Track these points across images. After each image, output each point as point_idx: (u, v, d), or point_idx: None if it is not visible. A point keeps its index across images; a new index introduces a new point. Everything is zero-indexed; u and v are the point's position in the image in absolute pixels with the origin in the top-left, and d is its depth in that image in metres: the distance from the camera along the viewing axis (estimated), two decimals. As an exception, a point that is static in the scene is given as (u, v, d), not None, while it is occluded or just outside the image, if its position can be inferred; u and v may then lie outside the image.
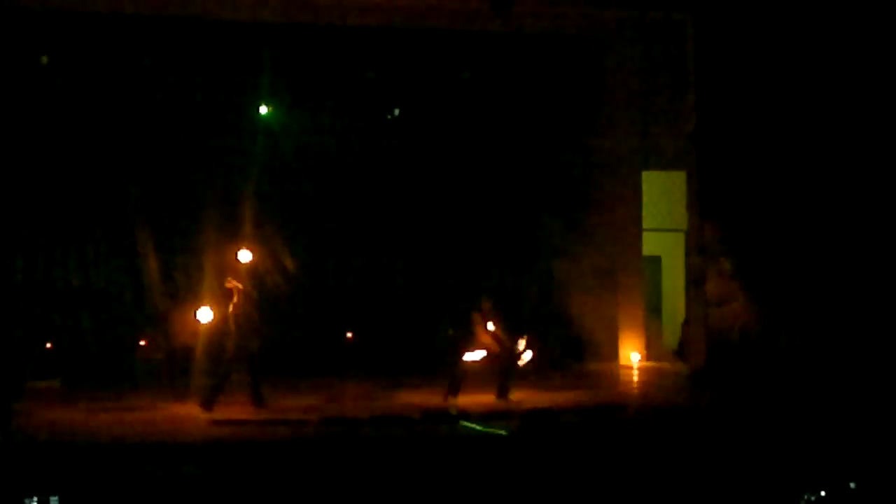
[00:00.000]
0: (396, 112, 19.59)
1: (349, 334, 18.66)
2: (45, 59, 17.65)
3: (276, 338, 16.49)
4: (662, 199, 20.03)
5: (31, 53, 17.61)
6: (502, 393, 15.26)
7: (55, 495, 9.64)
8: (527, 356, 15.59)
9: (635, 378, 18.56)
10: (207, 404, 14.24)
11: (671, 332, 20.67)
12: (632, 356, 19.66)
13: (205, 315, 14.65)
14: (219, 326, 14.69)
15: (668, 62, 19.24)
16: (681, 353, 19.53)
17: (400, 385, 16.67)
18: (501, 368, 15.40)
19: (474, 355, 15.15)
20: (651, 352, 20.12)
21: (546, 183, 19.80)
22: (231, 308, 14.49)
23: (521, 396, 15.26)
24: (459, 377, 15.29)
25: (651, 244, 20.45)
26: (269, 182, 18.71)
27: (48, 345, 17.11)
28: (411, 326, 19.00)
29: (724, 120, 17.24)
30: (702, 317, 17.76)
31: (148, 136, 18.35)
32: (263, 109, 18.89)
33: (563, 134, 19.87)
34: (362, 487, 10.50)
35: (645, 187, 20.07)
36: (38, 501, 9.54)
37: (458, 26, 18.42)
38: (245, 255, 14.76)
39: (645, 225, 20.18)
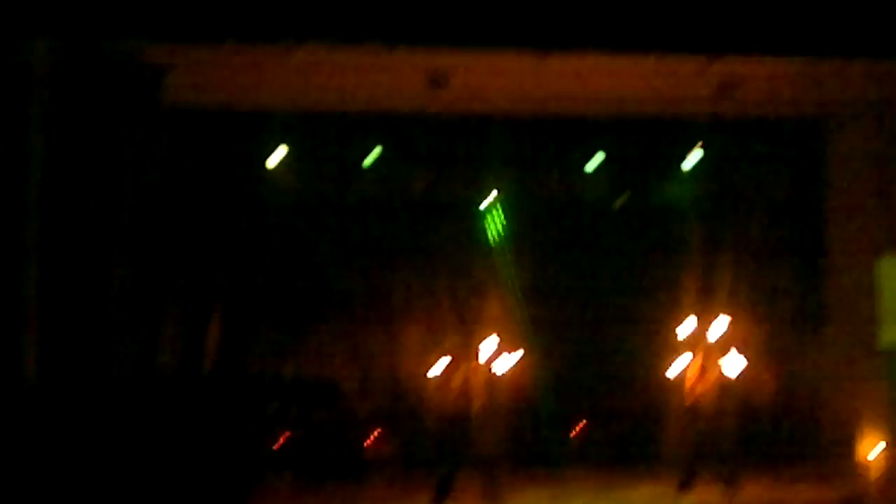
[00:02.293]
0: (624, 199, 19.45)
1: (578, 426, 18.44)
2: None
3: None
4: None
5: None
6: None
7: None
8: None
9: (876, 475, 17.71)
10: (439, 500, 14.17)
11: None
12: (873, 452, 18.81)
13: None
14: None
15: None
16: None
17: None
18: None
19: None
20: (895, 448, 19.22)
21: (777, 271, 19.33)
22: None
23: (755, 490, 14.82)
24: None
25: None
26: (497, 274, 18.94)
27: (282, 439, 17.40)
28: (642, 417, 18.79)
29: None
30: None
31: (375, 232, 18.77)
32: (489, 201, 18.99)
33: (792, 220, 19.52)
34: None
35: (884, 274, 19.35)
36: None
37: (684, 112, 18.25)
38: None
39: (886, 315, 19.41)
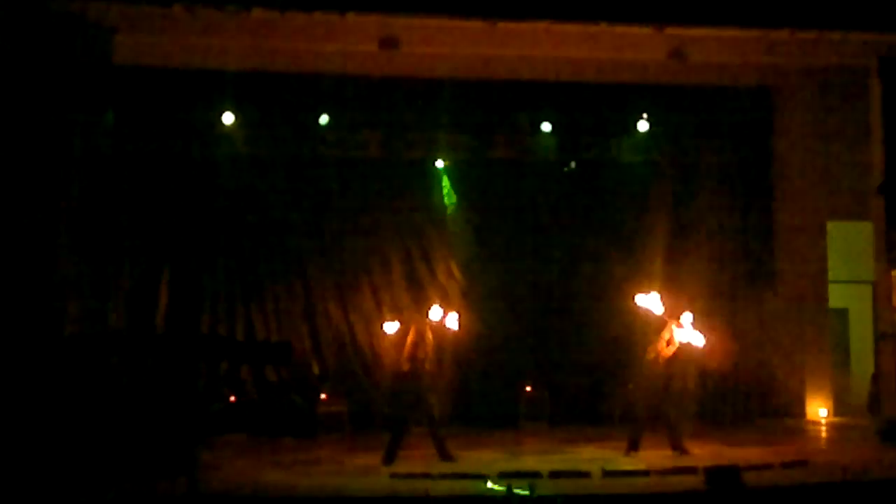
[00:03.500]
0: (573, 165, 19.60)
1: (528, 388, 18.59)
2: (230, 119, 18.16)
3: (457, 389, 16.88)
4: (848, 250, 19.52)
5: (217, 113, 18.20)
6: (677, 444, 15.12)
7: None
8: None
9: (823, 434, 18.09)
10: (388, 458, 14.38)
11: (860, 387, 20.05)
12: (819, 411, 19.15)
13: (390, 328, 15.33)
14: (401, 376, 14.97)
15: (850, 109, 18.84)
16: (871, 407, 18.92)
17: (580, 438, 16.67)
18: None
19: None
20: (839, 407, 19.54)
21: (728, 237, 19.57)
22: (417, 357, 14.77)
23: (703, 451, 15.03)
24: (640, 431, 15.24)
25: (838, 296, 19.94)
26: (446, 236, 19.18)
27: (232, 398, 17.51)
28: (592, 377, 19.02)
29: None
30: (892, 370, 17.17)
31: (327, 192, 18.90)
32: (440, 163, 19.16)
33: (743, 185, 19.73)
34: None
35: (830, 238, 19.64)
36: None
37: (635, 79, 18.35)
38: (435, 313, 15.08)
39: (831, 276, 19.71)
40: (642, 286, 15.93)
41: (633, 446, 15.23)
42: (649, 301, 15.32)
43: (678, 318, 15.20)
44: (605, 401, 18.86)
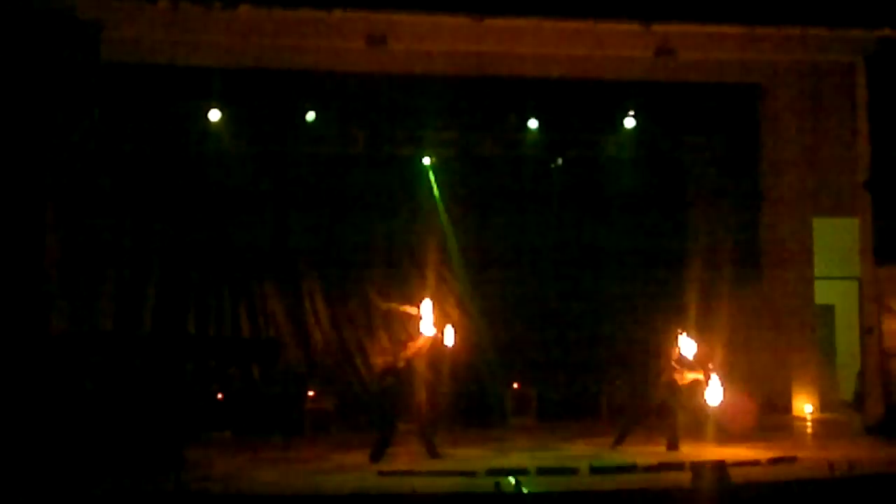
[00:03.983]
0: (560, 161, 19.59)
1: (516, 384, 18.58)
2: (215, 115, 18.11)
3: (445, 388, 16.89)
4: (835, 246, 19.56)
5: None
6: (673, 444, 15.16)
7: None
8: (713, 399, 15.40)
9: (809, 430, 18.13)
10: (376, 455, 14.39)
11: (846, 383, 20.09)
12: (805, 407, 19.18)
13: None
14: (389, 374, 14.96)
15: (836, 106, 18.91)
16: (857, 404, 18.96)
17: (568, 435, 16.72)
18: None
19: None
20: (825, 403, 19.59)
21: (714, 232, 19.60)
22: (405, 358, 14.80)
23: (690, 448, 15.07)
24: (630, 426, 15.36)
25: (824, 293, 19.98)
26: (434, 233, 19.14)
27: (220, 395, 17.48)
28: (579, 374, 19.02)
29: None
30: (878, 367, 17.21)
31: (314, 189, 18.86)
32: (427, 161, 19.12)
33: (729, 181, 19.75)
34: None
35: (816, 235, 19.68)
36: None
37: (622, 76, 18.36)
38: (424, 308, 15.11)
39: (817, 273, 19.75)
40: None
41: (620, 440, 15.36)
42: (685, 344, 15.43)
43: (706, 369, 15.31)
44: (592, 397, 18.87)
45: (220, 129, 18.08)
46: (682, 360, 15.41)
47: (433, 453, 14.69)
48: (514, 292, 19.33)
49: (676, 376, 15.37)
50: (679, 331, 15.62)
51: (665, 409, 15.54)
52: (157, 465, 12.94)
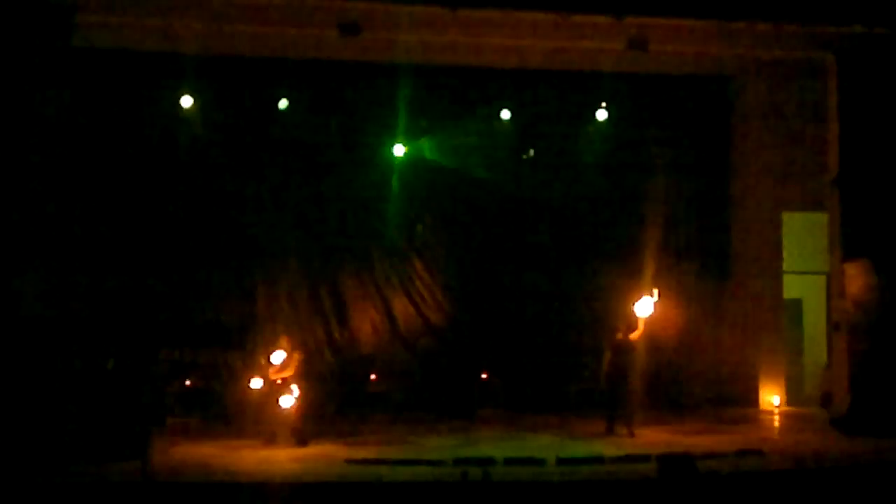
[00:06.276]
0: (532, 152, 19.62)
1: (484, 375, 18.61)
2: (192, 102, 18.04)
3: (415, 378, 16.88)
4: (803, 241, 19.66)
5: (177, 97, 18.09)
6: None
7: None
8: None
9: (776, 423, 18.25)
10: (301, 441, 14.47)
11: (813, 377, 20.21)
12: (772, 400, 19.30)
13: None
14: None
15: (806, 101, 19.01)
16: (823, 397, 19.07)
17: (536, 425, 16.78)
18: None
19: None
20: (792, 396, 19.71)
21: (684, 226, 19.70)
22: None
23: (657, 439, 15.17)
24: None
25: (792, 287, 20.09)
26: (404, 223, 19.18)
27: (188, 382, 17.43)
28: (547, 364, 19.02)
29: (868, 161, 16.89)
30: (845, 361, 17.32)
31: (285, 176, 18.83)
32: (399, 150, 19.06)
33: (698, 175, 19.88)
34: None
35: (785, 229, 19.79)
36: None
37: (594, 67, 18.40)
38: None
39: (786, 267, 19.87)
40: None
41: (610, 430, 15.59)
42: (643, 306, 15.58)
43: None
44: (560, 388, 18.92)
45: (192, 116, 18.07)
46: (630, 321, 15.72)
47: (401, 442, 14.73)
48: (482, 281, 19.37)
49: (623, 338, 15.61)
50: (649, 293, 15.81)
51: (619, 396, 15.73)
52: (122, 449, 12.91)
